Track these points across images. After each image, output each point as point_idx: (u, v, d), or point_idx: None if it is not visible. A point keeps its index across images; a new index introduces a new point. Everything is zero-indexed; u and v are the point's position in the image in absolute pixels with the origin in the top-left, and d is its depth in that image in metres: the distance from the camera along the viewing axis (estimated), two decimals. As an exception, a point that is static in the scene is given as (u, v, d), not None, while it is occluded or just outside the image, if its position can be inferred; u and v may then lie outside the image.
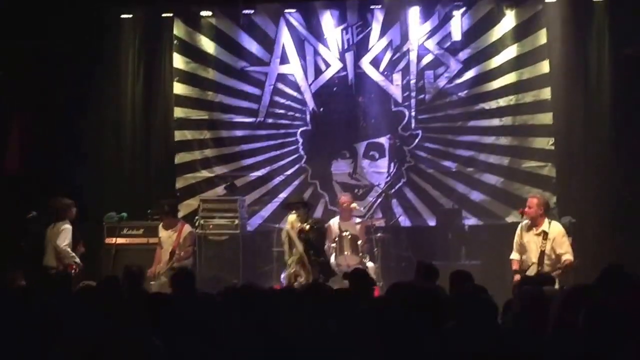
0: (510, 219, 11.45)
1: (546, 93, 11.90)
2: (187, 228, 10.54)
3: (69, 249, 9.79)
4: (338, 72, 12.41)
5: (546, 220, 9.10)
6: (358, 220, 11.28)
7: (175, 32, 12.41)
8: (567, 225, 10.24)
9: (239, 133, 12.56)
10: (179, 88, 12.44)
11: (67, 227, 9.87)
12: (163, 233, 10.50)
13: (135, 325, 4.86)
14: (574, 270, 8.96)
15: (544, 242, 8.89)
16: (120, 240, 10.91)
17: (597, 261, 9.76)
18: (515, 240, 9.27)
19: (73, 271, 9.63)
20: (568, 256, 8.86)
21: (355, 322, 4.65)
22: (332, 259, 10.69)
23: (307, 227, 9.92)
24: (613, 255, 10.28)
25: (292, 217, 9.67)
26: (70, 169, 11.49)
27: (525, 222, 9.17)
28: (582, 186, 11.52)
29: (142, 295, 6.19)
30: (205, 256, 11.12)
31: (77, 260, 9.81)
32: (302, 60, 12.44)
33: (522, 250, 9.13)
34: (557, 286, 7.68)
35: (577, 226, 10.59)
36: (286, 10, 12.35)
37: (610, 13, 11.44)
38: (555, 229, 9.04)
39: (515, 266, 9.17)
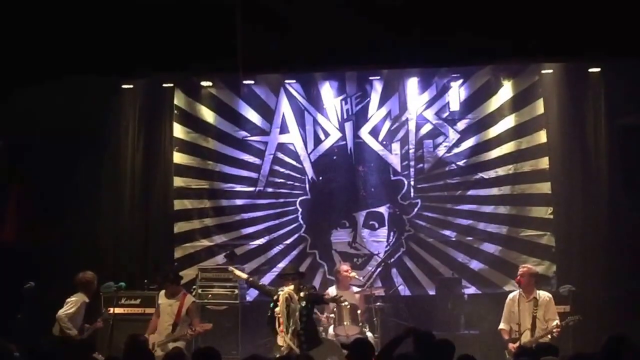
0: (508, 288, 11.37)
1: (544, 162, 11.97)
2: (190, 298, 10.28)
3: (65, 318, 9.74)
4: (337, 141, 12.49)
5: (535, 289, 9.89)
6: (357, 289, 11.23)
7: (175, 102, 12.54)
8: (566, 294, 10.42)
9: (238, 202, 12.57)
10: (178, 157, 12.52)
11: (74, 300, 9.90)
12: (163, 300, 10.21)
13: None
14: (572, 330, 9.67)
15: (535, 308, 9.69)
16: (117, 310, 10.77)
17: (595, 329, 9.80)
18: (505, 310, 9.98)
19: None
20: (556, 322, 9.61)
21: None
22: (331, 330, 10.58)
23: (311, 298, 9.81)
24: (613, 323, 10.21)
25: (289, 288, 9.58)
26: (68, 239, 11.44)
27: (516, 292, 9.95)
28: (581, 255, 11.51)
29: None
30: (203, 326, 10.98)
31: (72, 332, 9.74)
32: (302, 130, 12.53)
33: (512, 319, 9.77)
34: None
35: (577, 295, 10.61)
36: (286, 81, 12.48)
37: (606, 83, 11.56)
38: (544, 296, 9.87)
39: (506, 336, 9.80)
